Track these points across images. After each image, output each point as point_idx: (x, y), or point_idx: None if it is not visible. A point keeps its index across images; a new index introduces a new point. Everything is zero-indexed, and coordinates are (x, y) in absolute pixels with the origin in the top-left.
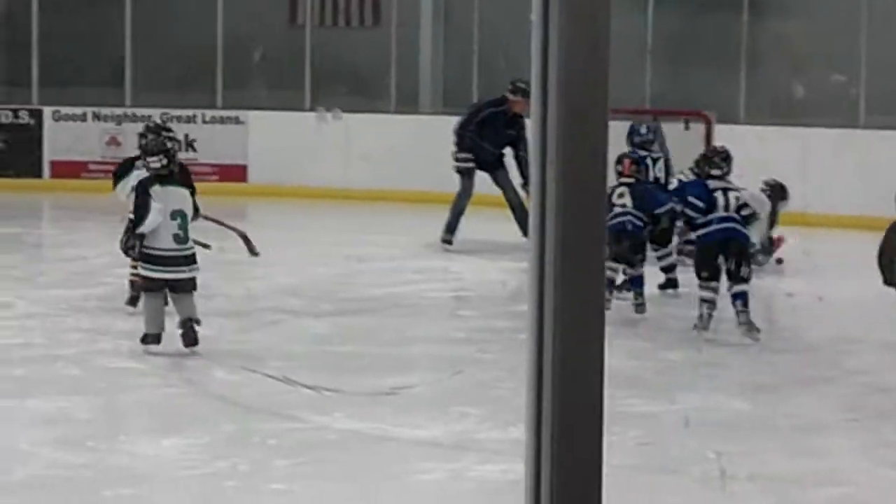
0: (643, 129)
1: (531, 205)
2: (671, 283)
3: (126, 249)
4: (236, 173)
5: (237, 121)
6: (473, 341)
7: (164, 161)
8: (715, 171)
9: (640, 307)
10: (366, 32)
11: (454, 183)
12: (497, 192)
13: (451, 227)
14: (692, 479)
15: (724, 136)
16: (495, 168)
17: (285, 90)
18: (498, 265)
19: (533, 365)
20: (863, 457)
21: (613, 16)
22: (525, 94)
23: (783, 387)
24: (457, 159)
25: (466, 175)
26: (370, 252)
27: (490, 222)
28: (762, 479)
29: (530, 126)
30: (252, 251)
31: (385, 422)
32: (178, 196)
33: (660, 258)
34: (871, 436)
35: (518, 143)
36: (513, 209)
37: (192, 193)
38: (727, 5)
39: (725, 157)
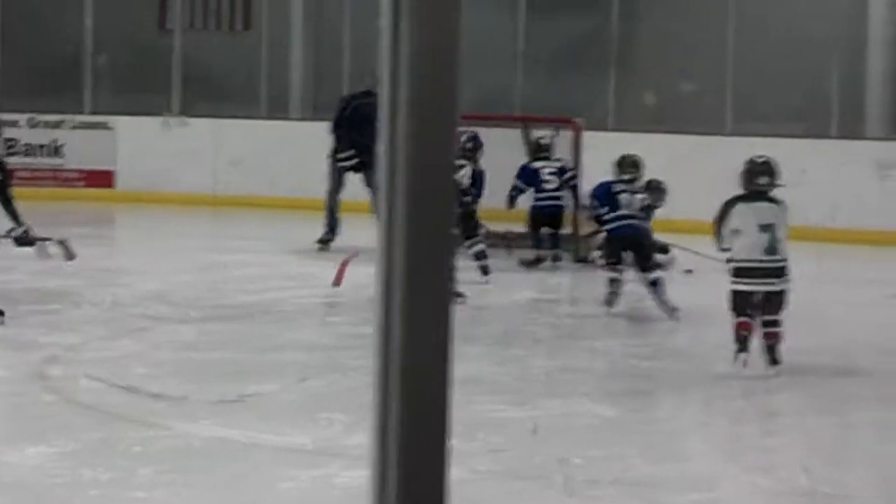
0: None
1: (379, 210)
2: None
3: None
4: (104, 179)
5: (105, 126)
6: (341, 347)
7: None
8: (625, 176)
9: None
10: (236, 37)
11: (324, 188)
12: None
13: (327, 227)
14: (555, 484)
15: (593, 142)
16: (372, 167)
17: (154, 95)
18: (367, 271)
19: (379, 371)
20: (727, 461)
21: (483, 22)
22: None
23: (648, 392)
24: (337, 159)
25: (338, 173)
26: (239, 258)
27: (361, 228)
28: (626, 484)
29: (379, 132)
30: (70, 256)
31: (252, 429)
32: None
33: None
34: (735, 440)
35: None
36: None
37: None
38: (598, 12)
39: (634, 164)
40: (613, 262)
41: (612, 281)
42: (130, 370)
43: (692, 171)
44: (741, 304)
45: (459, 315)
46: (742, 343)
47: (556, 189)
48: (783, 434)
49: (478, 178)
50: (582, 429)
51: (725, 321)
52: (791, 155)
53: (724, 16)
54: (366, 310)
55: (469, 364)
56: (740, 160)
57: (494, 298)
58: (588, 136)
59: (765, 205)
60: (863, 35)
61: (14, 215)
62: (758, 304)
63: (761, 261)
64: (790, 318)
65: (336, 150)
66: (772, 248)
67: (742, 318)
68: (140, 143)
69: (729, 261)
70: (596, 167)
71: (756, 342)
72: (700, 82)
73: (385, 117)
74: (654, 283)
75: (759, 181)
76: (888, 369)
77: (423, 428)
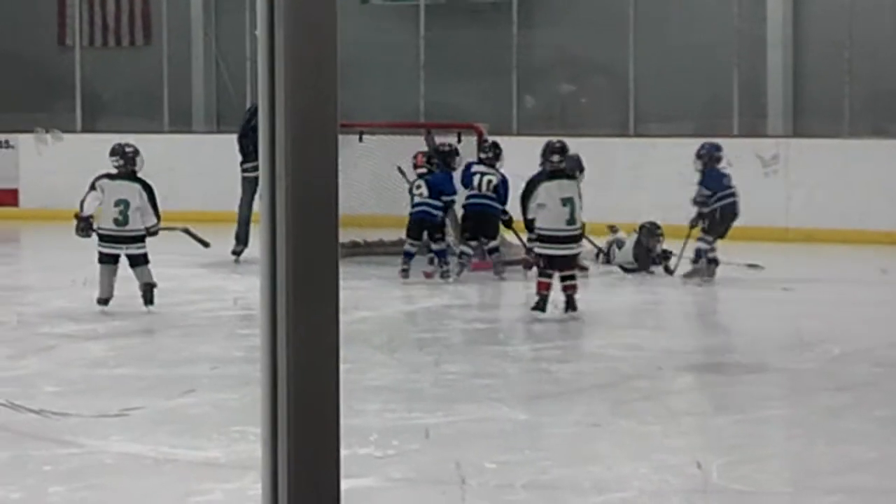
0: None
1: (261, 220)
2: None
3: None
4: (7, 198)
5: (7, 144)
6: (252, 360)
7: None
8: (481, 156)
9: (445, 273)
10: (137, 52)
11: (231, 200)
12: None
13: (238, 238)
14: (470, 489)
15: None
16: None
17: (56, 112)
18: None
19: (267, 381)
20: (640, 462)
21: (385, 33)
22: None
23: (560, 395)
24: (244, 170)
25: (248, 183)
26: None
27: None
28: (539, 488)
29: (259, 143)
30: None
31: (163, 444)
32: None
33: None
34: (648, 441)
35: None
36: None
37: None
38: (498, 19)
39: (492, 146)
40: (467, 236)
41: (463, 255)
42: (39, 389)
43: (596, 173)
44: (546, 265)
45: (371, 323)
46: (543, 300)
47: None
48: (693, 433)
49: (501, 185)
50: (496, 433)
51: (635, 325)
52: (691, 154)
53: (625, 20)
54: None
55: (383, 371)
56: (644, 161)
57: (407, 306)
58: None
59: (564, 181)
60: (761, 35)
61: None
62: (558, 265)
63: (563, 230)
64: (696, 319)
65: (243, 161)
66: (571, 219)
67: (543, 279)
68: (43, 161)
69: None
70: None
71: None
72: (602, 85)
73: (264, 127)
74: (495, 251)
75: (552, 159)
76: (793, 366)
77: (314, 435)
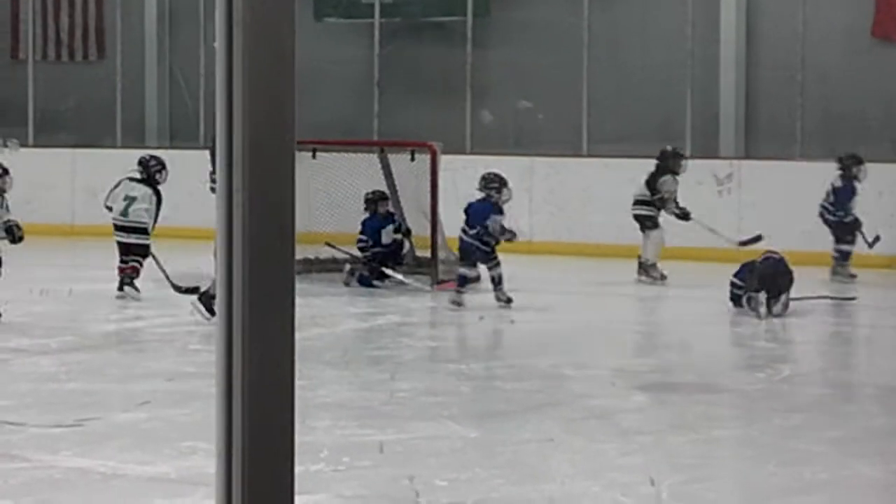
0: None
1: (217, 234)
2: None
3: None
4: None
5: None
6: (203, 375)
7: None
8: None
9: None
10: (90, 66)
11: (182, 216)
12: None
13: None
14: None
15: (451, 165)
16: None
17: (9, 126)
18: None
19: (222, 396)
20: (592, 480)
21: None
22: None
23: (512, 413)
24: (214, 181)
25: None
26: (100, 288)
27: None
28: None
29: (217, 156)
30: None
31: (113, 458)
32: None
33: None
34: (600, 459)
35: None
36: None
37: None
38: (452, 38)
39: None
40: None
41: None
42: None
43: (549, 192)
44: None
45: (325, 340)
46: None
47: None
48: (644, 452)
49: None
50: (447, 451)
51: (588, 343)
52: (645, 175)
53: (579, 39)
54: None
55: (335, 388)
56: (596, 180)
57: (358, 323)
58: (445, 160)
59: None
60: (715, 56)
61: None
62: None
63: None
64: (649, 338)
65: (213, 172)
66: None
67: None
68: None
69: None
70: (453, 190)
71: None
72: (556, 105)
73: (222, 140)
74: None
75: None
76: (745, 387)
77: (269, 451)
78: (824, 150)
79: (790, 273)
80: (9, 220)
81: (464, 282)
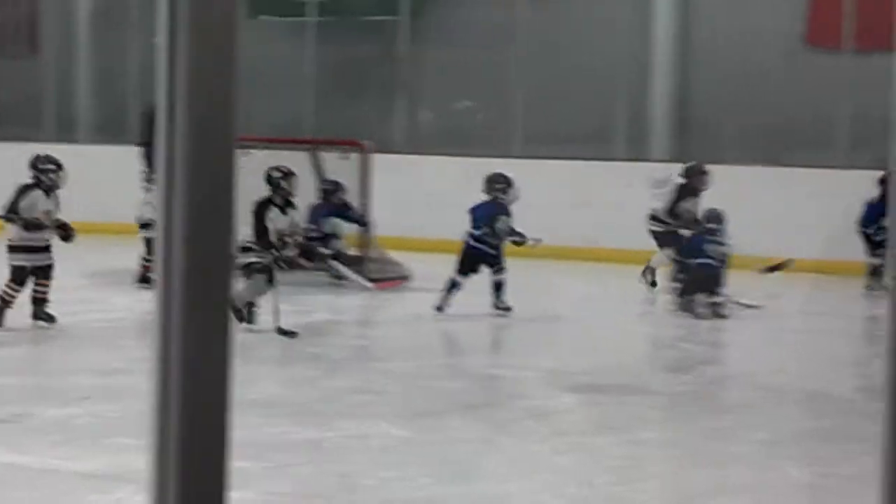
0: None
1: (157, 232)
2: None
3: None
4: None
5: None
6: (133, 371)
7: None
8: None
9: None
10: (22, 62)
11: (114, 212)
12: None
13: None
14: None
15: (383, 164)
16: None
17: None
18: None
19: (158, 393)
20: (521, 481)
21: (272, 48)
22: None
23: (443, 412)
24: (148, 179)
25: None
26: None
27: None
28: None
29: (158, 154)
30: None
31: (42, 454)
32: None
33: None
34: (529, 460)
35: None
36: None
37: None
38: (385, 37)
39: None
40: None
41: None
42: None
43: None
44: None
45: (254, 337)
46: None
47: None
48: (573, 453)
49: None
50: (375, 449)
51: (521, 344)
52: (578, 176)
53: (512, 40)
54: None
55: (263, 385)
56: (528, 181)
57: (288, 320)
58: (377, 159)
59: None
60: (646, 59)
61: None
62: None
63: None
64: (575, 339)
65: (147, 171)
66: None
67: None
68: None
69: None
70: (384, 188)
71: None
72: (489, 105)
73: (163, 139)
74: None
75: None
76: (674, 388)
77: (203, 448)
78: (757, 154)
79: (723, 275)
80: (58, 219)
81: (453, 287)
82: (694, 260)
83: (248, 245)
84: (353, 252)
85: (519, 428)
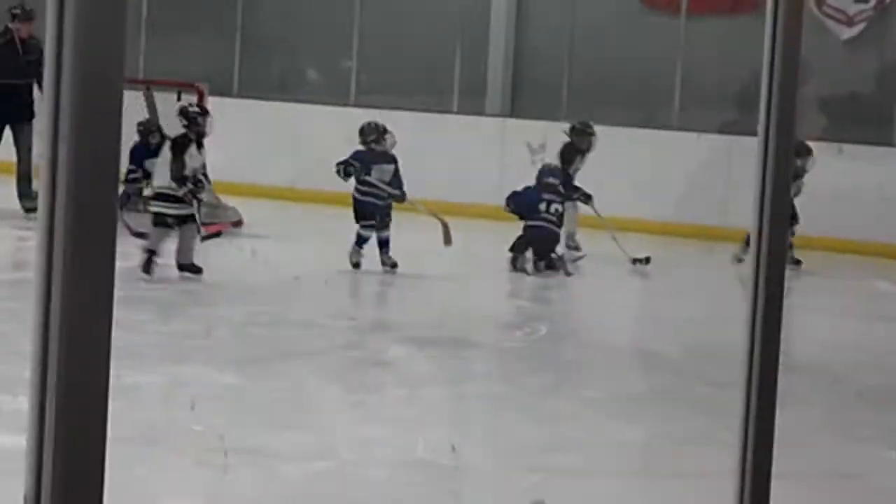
0: None
1: (41, 180)
2: None
3: None
4: None
5: None
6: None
7: None
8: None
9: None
10: None
11: None
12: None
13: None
14: (175, 450)
15: (217, 107)
16: (21, 119)
17: None
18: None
19: (38, 344)
20: (346, 432)
21: None
22: (28, 16)
23: (270, 360)
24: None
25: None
26: None
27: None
28: (245, 453)
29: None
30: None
31: None
32: None
33: None
34: (356, 411)
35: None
36: (18, 178)
37: None
38: None
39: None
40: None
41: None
42: None
43: (317, 140)
44: None
45: None
46: None
47: None
48: (401, 406)
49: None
50: (204, 397)
51: (351, 294)
52: (411, 128)
53: None
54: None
55: None
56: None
57: (121, 263)
58: (213, 102)
59: None
60: (485, 13)
61: None
62: None
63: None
64: (417, 292)
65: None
66: None
67: None
68: None
69: None
70: (220, 133)
71: None
72: (327, 53)
73: (49, 86)
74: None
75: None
76: (502, 343)
77: (83, 401)
78: (590, 113)
79: (556, 235)
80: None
81: (361, 241)
82: (528, 217)
83: (163, 192)
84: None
85: (347, 378)
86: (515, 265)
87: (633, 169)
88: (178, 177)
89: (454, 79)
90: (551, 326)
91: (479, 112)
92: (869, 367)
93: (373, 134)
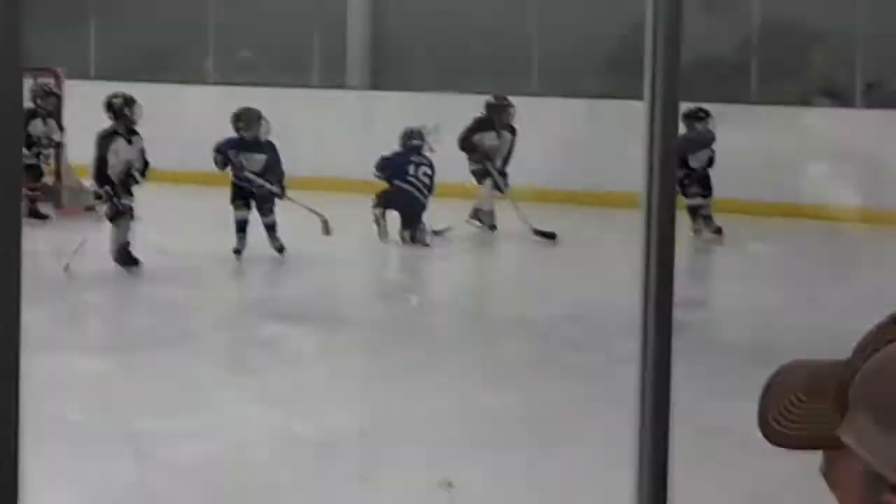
0: None
1: None
2: None
3: None
4: None
5: None
6: None
7: None
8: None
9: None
10: None
11: None
12: None
13: None
14: (52, 441)
15: (76, 91)
16: None
17: None
18: None
19: None
20: (225, 413)
21: None
22: None
23: (140, 347)
24: None
25: None
26: None
27: None
28: (127, 439)
29: None
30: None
31: None
32: None
33: None
34: (231, 391)
35: None
36: None
37: None
38: None
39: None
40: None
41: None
42: None
43: (171, 120)
44: None
45: None
46: None
47: None
48: (274, 383)
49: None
50: (78, 384)
51: (215, 275)
52: (274, 104)
53: None
54: None
55: None
56: (224, 107)
57: None
58: (69, 85)
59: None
60: None
61: None
62: None
63: None
64: (290, 269)
65: None
66: None
67: None
68: None
69: None
70: (78, 116)
71: None
72: (180, 32)
73: None
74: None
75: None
76: (375, 317)
77: None
78: (447, 83)
79: (421, 202)
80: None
81: (238, 226)
82: (396, 181)
83: (98, 191)
84: (47, 180)
85: (217, 360)
86: (382, 233)
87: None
88: (100, 174)
89: (313, 53)
90: (423, 298)
91: (341, 86)
92: (736, 325)
93: (241, 121)
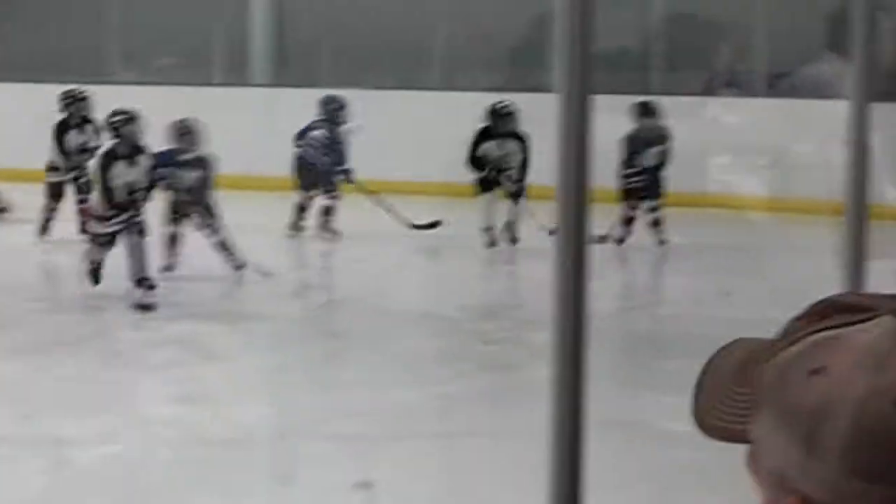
0: None
1: None
2: None
3: None
4: None
5: None
6: None
7: None
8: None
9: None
10: None
11: None
12: None
13: None
14: None
15: None
16: None
17: None
18: None
19: None
20: (129, 415)
21: None
22: None
23: (50, 347)
24: None
25: None
26: None
27: None
28: (31, 442)
29: None
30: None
31: None
32: None
33: None
34: (135, 392)
35: None
36: None
37: None
38: None
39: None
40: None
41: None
42: None
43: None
44: None
45: None
46: None
47: None
48: (179, 382)
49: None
50: None
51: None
52: (176, 102)
53: None
54: None
55: None
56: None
57: None
58: None
59: None
60: None
61: None
62: None
63: None
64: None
65: None
66: None
67: None
68: None
69: None
70: None
71: None
72: (77, 30)
73: None
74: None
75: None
76: (283, 314)
77: None
78: (349, 77)
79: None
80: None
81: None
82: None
83: (100, 214)
84: None
85: (126, 362)
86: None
87: (406, 131)
88: (108, 204)
89: (214, 49)
90: (331, 294)
91: (245, 83)
92: (647, 316)
93: (175, 134)
